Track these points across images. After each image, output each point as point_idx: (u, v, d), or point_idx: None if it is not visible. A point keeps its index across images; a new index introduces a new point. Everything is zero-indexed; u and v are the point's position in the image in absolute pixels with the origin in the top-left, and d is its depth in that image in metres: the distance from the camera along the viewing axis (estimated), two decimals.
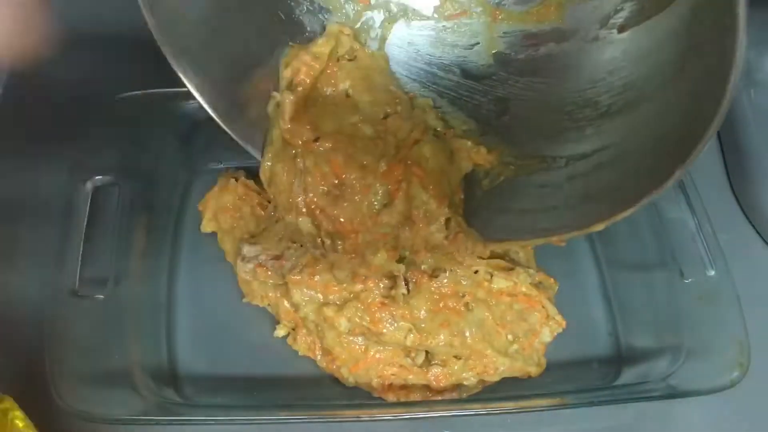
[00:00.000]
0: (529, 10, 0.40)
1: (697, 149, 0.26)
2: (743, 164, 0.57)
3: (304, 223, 0.41)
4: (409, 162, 0.39)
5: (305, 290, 0.44)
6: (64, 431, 0.42)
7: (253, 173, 0.56)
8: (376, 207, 0.39)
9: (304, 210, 0.40)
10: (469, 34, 0.42)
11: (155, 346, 0.47)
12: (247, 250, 0.49)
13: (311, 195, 0.40)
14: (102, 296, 0.44)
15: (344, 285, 0.43)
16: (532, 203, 0.38)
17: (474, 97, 0.42)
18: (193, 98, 0.38)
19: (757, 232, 0.56)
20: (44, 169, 0.53)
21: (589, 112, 0.37)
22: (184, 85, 0.38)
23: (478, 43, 0.42)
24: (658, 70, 0.32)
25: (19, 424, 0.35)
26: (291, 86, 0.39)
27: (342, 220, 0.39)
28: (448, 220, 0.39)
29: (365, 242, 0.40)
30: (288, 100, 0.39)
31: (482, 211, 0.39)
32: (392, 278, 0.44)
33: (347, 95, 0.41)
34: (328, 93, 0.41)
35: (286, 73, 0.40)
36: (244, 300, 0.50)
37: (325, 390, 0.46)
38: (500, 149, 0.41)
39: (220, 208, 0.53)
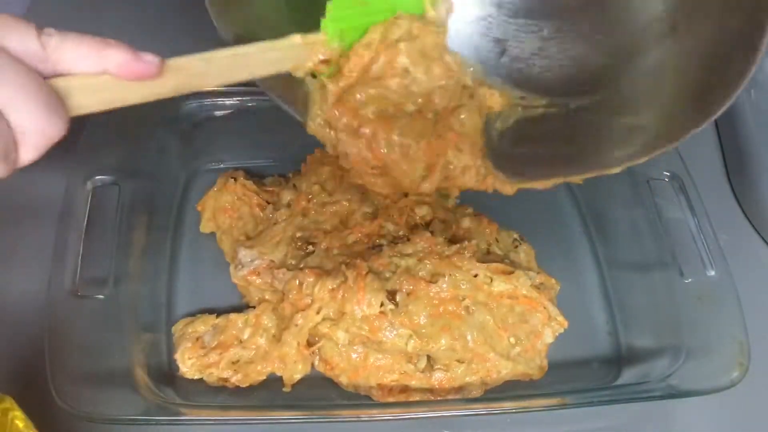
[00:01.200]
0: None
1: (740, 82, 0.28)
2: (743, 164, 0.57)
3: None
4: (444, 131, 0.40)
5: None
6: (64, 431, 0.42)
7: (252, 173, 0.56)
8: (416, 180, 0.39)
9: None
10: None
11: (155, 346, 0.47)
12: (243, 254, 0.49)
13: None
14: (102, 296, 0.44)
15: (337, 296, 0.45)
16: (545, 144, 0.38)
17: (473, 38, 0.43)
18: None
19: (757, 232, 0.56)
20: (44, 169, 0.53)
21: (603, 56, 0.38)
22: None
23: None
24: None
25: (19, 424, 0.34)
26: (338, 74, 0.38)
27: (384, 191, 0.40)
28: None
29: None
30: (332, 88, 0.38)
31: (500, 153, 0.40)
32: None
33: (406, 71, 0.40)
34: (380, 71, 0.39)
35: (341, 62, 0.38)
36: (244, 300, 0.49)
37: (324, 390, 0.46)
38: (506, 91, 0.41)
39: (219, 208, 0.53)
